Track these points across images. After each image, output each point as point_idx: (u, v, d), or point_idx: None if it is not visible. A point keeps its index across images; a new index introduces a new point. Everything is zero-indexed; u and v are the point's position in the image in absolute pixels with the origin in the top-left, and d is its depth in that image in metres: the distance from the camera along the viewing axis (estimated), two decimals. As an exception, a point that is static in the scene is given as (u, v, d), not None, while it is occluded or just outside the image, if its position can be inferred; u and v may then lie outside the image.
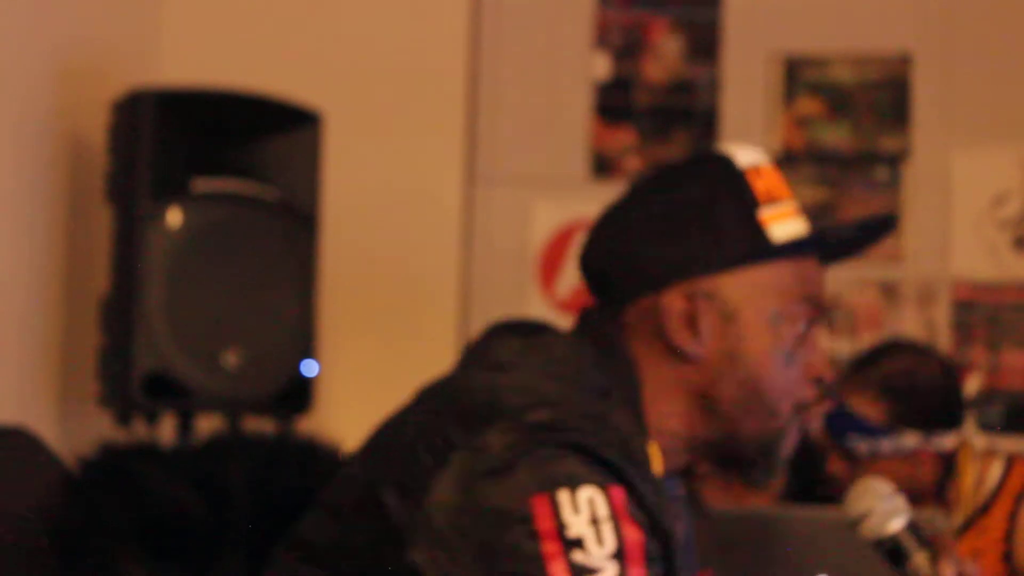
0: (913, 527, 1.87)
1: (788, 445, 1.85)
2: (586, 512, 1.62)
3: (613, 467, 1.66)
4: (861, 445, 2.92)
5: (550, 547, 1.60)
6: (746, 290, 1.82)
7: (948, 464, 2.95)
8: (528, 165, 4.64)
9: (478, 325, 4.54)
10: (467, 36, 4.60)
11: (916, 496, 2.80)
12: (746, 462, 1.86)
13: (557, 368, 1.77)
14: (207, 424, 3.84)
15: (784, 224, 1.84)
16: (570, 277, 4.60)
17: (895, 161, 4.51)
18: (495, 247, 4.61)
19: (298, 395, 3.88)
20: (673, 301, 1.82)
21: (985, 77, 4.48)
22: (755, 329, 1.82)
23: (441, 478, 1.66)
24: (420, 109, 4.52)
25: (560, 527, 1.61)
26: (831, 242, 1.89)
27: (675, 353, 1.82)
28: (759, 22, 4.60)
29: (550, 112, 4.65)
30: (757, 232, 1.82)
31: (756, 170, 1.85)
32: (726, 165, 1.85)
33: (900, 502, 1.89)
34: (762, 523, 2.33)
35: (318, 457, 1.98)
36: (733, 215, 1.82)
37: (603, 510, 1.62)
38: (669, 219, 1.83)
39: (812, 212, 4.60)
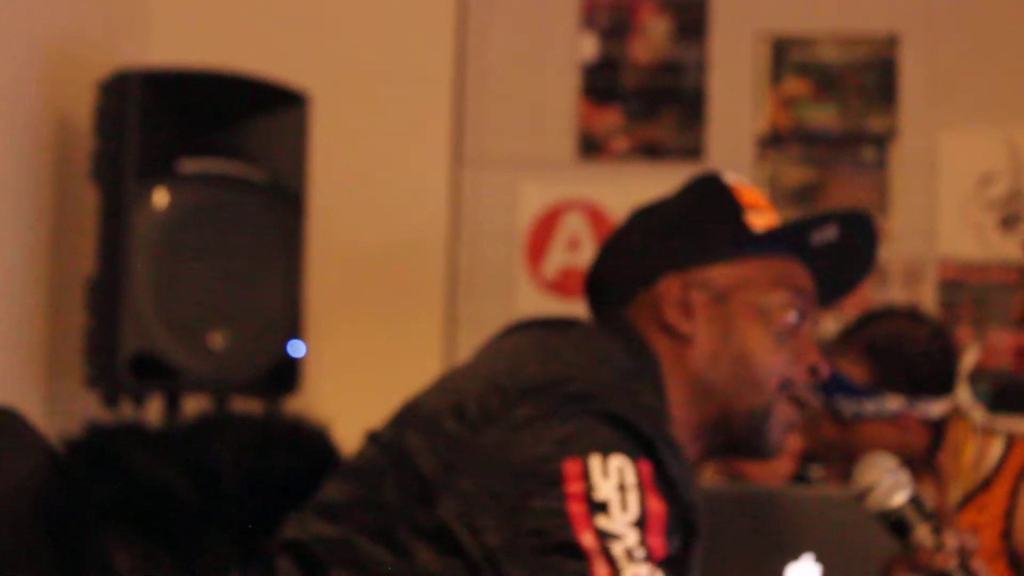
0: (916, 500, 1.93)
1: (777, 421, 1.93)
2: (615, 478, 1.67)
3: (643, 438, 1.72)
4: (846, 406, 2.91)
5: (576, 508, 1.65)
6: (735, 279, 1.93)
7: (937, 432, 2.93)
8: (515, 146, 4.64)
9: (465, 306, 4.59)
10: (454, 17, 4.59)
11: (905, 463, 2.79)
12: (740, 442, 1.94)
13: (588, 351, 1.85)
14: (194, 405, 3.84)
15: (768, 226, 1.95)
16: (557, 258, 4.60)
17: (882, 141, 4.52)
18: (482, 228, 4.61)
19: (285, 375, 3.88)
20: (668, 288, 1.92)
21: (972, 58, 4.48)
22: (745, 312, 1.92)
23: (477, 444, 1.72)
24: (407, 90, 4.51)
25: (588, 490, 1.66)
26: (816, 245, 1.96)
27: (673, 337, 1.91)
28: (746, 2, 4.60)
29: (537, 93, 4.65)
30: (743, 228, 1.94)
31: (741, 186, 1.98)
32: (713, 179, 1.99)
33: (904, 476, 1.95)
34: (753, 501, 2.34)
35: (305, 437, 1.99)
36: (721, 214, 1.95)
37: (631, 479, 1.68)
38: (662, 223, 1.97)
39: (799, 192, 4.59)
